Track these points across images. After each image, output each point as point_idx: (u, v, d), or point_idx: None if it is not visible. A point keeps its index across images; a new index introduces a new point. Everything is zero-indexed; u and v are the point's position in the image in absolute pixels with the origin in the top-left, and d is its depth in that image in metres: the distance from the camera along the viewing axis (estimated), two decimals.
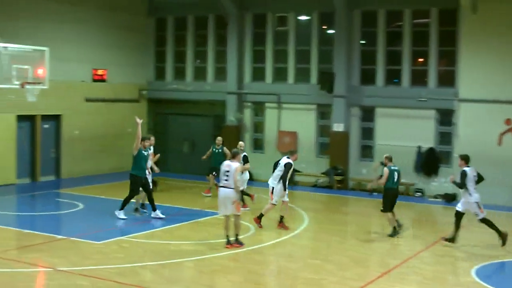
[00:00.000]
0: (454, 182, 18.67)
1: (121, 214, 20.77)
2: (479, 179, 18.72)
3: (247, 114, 32.06)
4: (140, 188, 21.11)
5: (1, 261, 15.71)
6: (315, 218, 22.79)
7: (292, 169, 20.64)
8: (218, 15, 32.54)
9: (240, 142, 24.28)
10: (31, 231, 19.13)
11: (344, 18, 29.16)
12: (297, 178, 30.02)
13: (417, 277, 15.62)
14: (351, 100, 29.37)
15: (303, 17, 31.32)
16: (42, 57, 23.85)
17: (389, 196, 20.09)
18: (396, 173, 20.02)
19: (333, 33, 29.98)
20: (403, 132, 28.44)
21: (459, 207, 18.76)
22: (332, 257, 17.32)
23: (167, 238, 18.68)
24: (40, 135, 28.96)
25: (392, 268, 16.24)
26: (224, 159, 24.30)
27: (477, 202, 18.49)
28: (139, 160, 20.91)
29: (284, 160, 20.71)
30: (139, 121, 20.99)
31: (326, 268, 16.10)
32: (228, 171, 17.71)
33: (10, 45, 22.98)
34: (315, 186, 29.68)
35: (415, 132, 28.20)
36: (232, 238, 17.72)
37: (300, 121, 30.67)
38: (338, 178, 29.21)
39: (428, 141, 28.04)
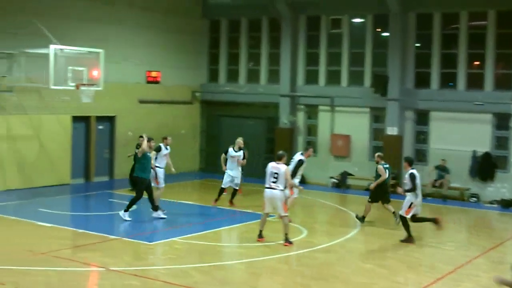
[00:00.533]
0: (405, 190, 19.75)
1: (126, 216, 20.75)
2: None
3: (300, 117, 31.98)
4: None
5: (56, 260, 15.88)
6: (367, 221, 22.60)
7: (303, 166, 21.51)
8: (271, 18, 32.52)
9: (239, 139, 24.63)
10: (85, 231, 19.31)
11: (399, 21, 28.93)
12: (350, 181, 29.87)
13: (471, 284, 15.37)
14: (405, 104, 29.11)
15: (357, 20, 31.16)
16: (97, 59, 24.13)
17: (381, 189, 22.01)
18: (387, 170, 21.96)
19: (388, 35, 29.75)
20: (458, 136, 28.10)
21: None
22: (384, 262, 17.18)
23: (219, 240, 18.70)
24: (94, 136, 29.25)
25: (446, 274, 16.03)
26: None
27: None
28: (145, 162, 20.95)
29: (298, 156, 21.01)
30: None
31: (378, 273, 15.97)
32: (276, 173, 17.94)
33: (66, 47, 23.29)
34: (368, 190, 29.40)
35: (470, 136, 27.84)
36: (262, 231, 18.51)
37: (354, 124, 30.51)
38: (391, 182, 28.94)
39: (484, 146, 27.65)
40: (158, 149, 22.22)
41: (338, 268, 16.49)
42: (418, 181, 19.64)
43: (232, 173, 23.95)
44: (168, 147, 22.70)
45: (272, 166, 18.16)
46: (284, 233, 18.07)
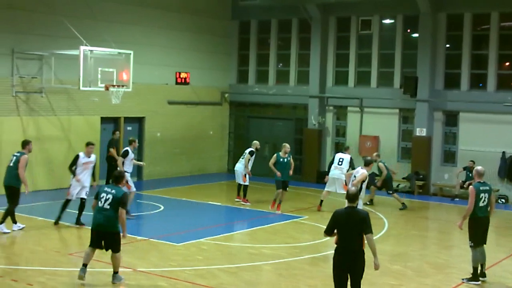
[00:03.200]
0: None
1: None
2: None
3: (329, 118, 31.92)
4: None
5: None
6: (395, 223, 22.53)
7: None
8: (301, 19, 32.47)
9: (254, 142, 25.53)
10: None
11: (429, 21, 28.78)
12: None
13: (499, 285, 15.26)
14: (435, 105, 28.96)
15: (387, 21, 31.06)
16: (126, 61, 24.23)
17: (390, 181, 25.65)
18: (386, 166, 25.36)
19: (417, 36, 29.62)
20: (487, 137, 27.91)
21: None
22: (412, 263, 17.10)
23: (247, 241, 18.71)
24: (123, 137, 29.36)
25: None
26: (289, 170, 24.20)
27: None
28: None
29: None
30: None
31: (405, 274, 15.91)
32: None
33: (95, 49, 23.41)
34: (396, 191, 29.33)
35: (499, 137, 27.64)
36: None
37: (383, 125, 30.40)
38: (420, 183, 28.85)
39: None
40: (125, 154, 21.53)
41: (365, 269, 16.39)
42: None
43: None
44: (134, 150, 22.33)
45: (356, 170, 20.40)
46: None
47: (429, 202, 27.47)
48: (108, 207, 13.87)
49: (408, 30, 30.54)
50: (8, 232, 18.56)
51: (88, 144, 20.10)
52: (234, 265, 16.17)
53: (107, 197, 13.94)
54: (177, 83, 31.13)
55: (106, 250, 14.21)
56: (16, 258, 16.20)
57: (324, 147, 31.67)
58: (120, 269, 15.30)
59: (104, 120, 28.38)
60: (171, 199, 25.16)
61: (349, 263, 11.62)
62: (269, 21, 33.76)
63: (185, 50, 31.98)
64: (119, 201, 13.85)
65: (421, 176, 28.88)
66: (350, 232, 11.49)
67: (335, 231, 11.66)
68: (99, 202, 14.02)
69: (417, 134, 29.09)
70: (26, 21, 25.41)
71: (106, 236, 14.03)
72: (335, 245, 11.66)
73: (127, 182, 21.22)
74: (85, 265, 14.16)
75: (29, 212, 21.48)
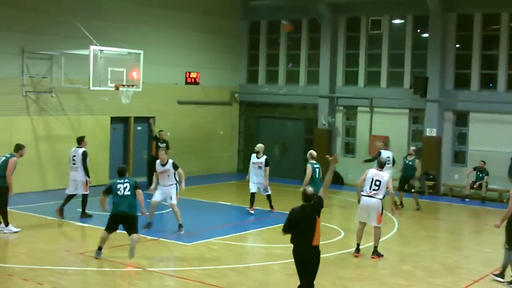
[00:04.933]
0: None
1: None
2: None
3: (339, 118, 31.89)
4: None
5: (93, 260, 16.00)
6: (405, 223, 22.49)
7: None
8: (311, 19, 32.43)
9: (260, 145, 23.56)
10: (122, 232, 19.38)
11: (439, 21, 28.71)
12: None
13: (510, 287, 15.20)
14: (445, 105, 28.90)
15: (397, 21, 31.01)
16: (136, 60, 24.27)
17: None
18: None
19: (427, 36, 29.56)
20: (498, 137, 27.84)
21: None
22: (422, 263, 17.06)
23: (257, 241, 18.71)
24: (133, 136, 29.42)
25: (484, 276, 15.86)
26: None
27: None
28: None
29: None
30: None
31: (415, 275, 15.88)
32: (379, 181, 17.15)
33: (105, 49, 23.47)
34: (406, 191, 29.27)
35: (510, 137, 27.55)
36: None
37: (393, 125, 30.34)
38: (430, 183, 28.79)
39: None
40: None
41: (375, 269, 16.40)
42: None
43: None
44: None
45: (374, 173, 17.35)
46: (374, 245, 17.40)
47: (439, 202, 27.41)
48: (129, 193, 15.95)
49: (418, 30, 30.47)
50: (18, 231, 18.61)
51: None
52: (244, 265, 16.20)
53: (125, 186, 16.00)
54: (187, 83, 31.11)
55: (128, 232, 16.08)
56: (26, 258, 16.23)
57: (334, 147, 31.62)
58: (131, 269, 15.38)
59: (114, 119, 28.42)
60: (181, 199, 24.99)
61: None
62: (279, 21, 33.72)
63: (195, 50, 31.98)
64: (135, 185, 16.09)
65: (431, 176, 28.82)
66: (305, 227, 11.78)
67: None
68: (118, 192, 15.94)
69: (427, 134, 29.03)
70: (36, 21, 25.47)
71: (127, 219, 16.03)
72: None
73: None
74: (100, 248, 16.20)
75: (39, 211, 21.53)
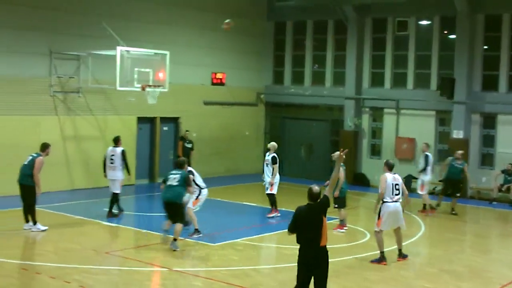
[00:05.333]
0: None
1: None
2: None
3: (365, 120, 31.79)
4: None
5: (120, 259, 16.09)
6: (432, 225, 22.39)
7: None
8: (337, 20, 32.36)
9: (272, 143, 22.82)
10: (149, 231, 19.49)
11: (467, 22, 28.53)
12: (414, 185, 29.56)
13: None
14: (472, 107, 28.71)
15: (424, 22, 30.85)
16: (162, 61, 24.35)
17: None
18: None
19: (455, 37, 29.38)
20: None
21: None
22: (448, 266, 16.95)
23: (282, 242, 18.67)
24: (159, 137, 29.50)
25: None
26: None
27: None
28: None
29: None
30: None
31: (442, 278, 15.77)
32: (398, 185, 16.66)
33: (132, 49, 23.58)
34: (432, 194, 29.15)
35: None
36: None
37: (419, 127, 30.18)
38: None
39: None
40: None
41: (400, 271, 16.32)
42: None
43: None
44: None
45: (394, 178, 16.71)
46: (398, 248, 17.13)
47: (466, 205, 27.20)
48: (177, 183, 17.23)
49: (445, 31, 30.29)
50: (46, 229, 18.74)
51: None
52: (269, 266, 16.20)
53: (175, 177, 17.34)
54: (213, 83, 31.17)
55: (173, 221, 17.30)
56: (53, 256, 16.33)
57: (360, 149, 31.53)
58: (156, 269, 15.43)
59: (140, 120, 28.54)
60: (207, 199, 25.11)
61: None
62: (304, 22, 33.72)
63: (221, 51, 32.04)
64: (185, 178, 17.43)
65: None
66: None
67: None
68: (169, 182, 17.30)
69: (454, 136, 28.86)
70: (63, 21, 25.65)
71: (171, 207, 17.25)
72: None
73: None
74: (166, 231, 17.59)
75: (66, 210, 21.67)
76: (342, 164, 20.53)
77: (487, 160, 28.92)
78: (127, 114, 27.89)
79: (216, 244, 18.24)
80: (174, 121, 30.31)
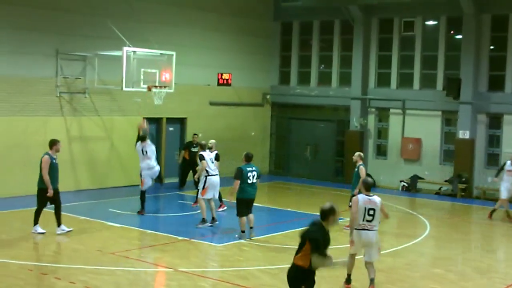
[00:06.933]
0: None
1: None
2: None
3: (371, 120, 31.75)
4: None
5: (125, 260, 16.09)
6: (437, 226, 22.37)
7: None
8: (343, 20, 32.34)
9: (213, 140, 22.42)
10: (154, 232, 19.52)
11: (473, 23, 28.49)
12: (420, 185, 29.57)
13: None
14: (478, 107, 28.68)
15: (430, 22, 30.82)
16: (169, 61, 24.36)
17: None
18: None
19: (461, 37, 29.35)
20: None
21: None
22: (454, 267, 16.96)
23: (288, 242, 18.67)
24: (165, 137, 29.51)
25: None
26: None
27: None
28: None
29: None
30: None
31: (447, 278, 15.76)
32: (373, 210, 14.21)
33: (138, 50, 23.60)
34: (438, 194, 29.16)
35: None
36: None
37: (425, 127, 30.15)
38: (462, 186, 28.58)
39: None
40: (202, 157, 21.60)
41: (406, 272, 16.32)
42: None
43: None
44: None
45: (366, 200, 14.24)
46: (370, 277, 14.52)
47: (471, 205, 27.18)
48: (256, 181, 18.56)
49: (452, 32, 30.26)
50: (70, 230, 18.69)
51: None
52: (275, 266, 16.17)
53: (253, 174, 18.45)
54: (219, 84, 31.16)
55: (247, 214, 18.68)
56: (59, 257, 16.38)
57: (366, 149, 31.49)
58: (161, 269, 15.45)
59: (146, 120, 28.49)
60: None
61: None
62: (311, 22, 33.70)
63: (227, 51, 32.05)
64: (260, 174, 18.97)
65: (464, 179, 28.60)
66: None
67: None
68: (248, 180, 18.34)
69: (460, 136, 28.83)
70: (70, 22, 25.68)
71: (252, 203, 18.91)
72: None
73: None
74: (243, 232, 18.63)
75: (72, 211, 21.68)
76: (361, 163, 20.49)
77: (493, 160, 28.86)
78: (133, 115, 27.87)
79: (221, 244, 18.26)
80: (180, 121, 30.32)
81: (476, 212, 26.38)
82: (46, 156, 18.41)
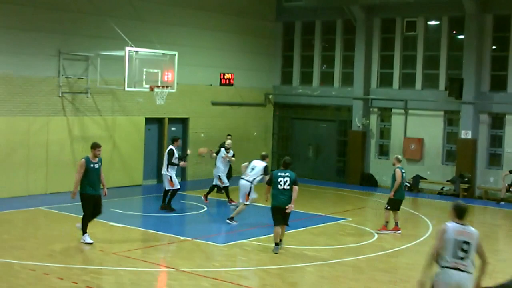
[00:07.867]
0: None
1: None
2: None
3: (373, 120, 31.75)
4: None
5: (127, 260, 16.08)
6: (439, 226, 22.33)
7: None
8: (346, 20, 32.35)
9: (227, 141, 24.90)
10: (156, 232, 19.52)
11: (475, 23, 28.49)
12: (422, 185, 29.56)
13: None
14: (480, 107, 28.66)
15: (432, 22, 30.82)
16: (171, 61, 24.35)
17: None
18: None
19: (463, 38, 29.34)
20: None
21: None
22: None
23: (290, 242, 18.66)
24: (167, 137, 29.51)
25: None
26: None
27: None
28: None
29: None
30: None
31: None
32: (467, 244, 10.85)
33: (140, 50, 23.59)
34: (440, 194, 29.15)
35: None
36: None
37: (427, 127, 30.15)
38: (464, 186, 28.57)
39: None
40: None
41: (408, 272, 16.30)
42: None
43: None
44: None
45: (459, 231, 11.00)
46: None
47: (474, 205, 27.14)
48: (288, 187, 17.04)
49: (454, 32, 30.27)
50: (91, 243, 17.69)
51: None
52: (277, 266, 16.17)
53: (285, 180, 17.10)
54: (221, 84, 31.19)
55: (281, 224, 17.32)
56: (61, 256, 16.36)
57: (368, 149, 31.51)
58: (163, 269, 15.43)
59: (148, 120, 28.57)
60: (215, 200, 25.22)
61: None
62: (313, 22, 33.69)
63: (229, 51, 32.06)
64: (294, 180, 17.14)
65: (466, 179, 28.59)
66: None
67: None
68: (279, 185, 17.06)
69: (462, 136, 28.82)
70: (72, 22, 25.69)
71: (282, 210, 17.11)
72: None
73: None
74: (277, 244, 17.37)
75: (74, 211, 21.67)
76: (398, 166, 20.30)
77: (495, 160, 28.86)
78: (135, 115, 27.93)
79: (223, 244, 18.27)
80: (182, 121, 30.33)
81: (478, 212, 26.36)
82: (82, 160, 17.73)
